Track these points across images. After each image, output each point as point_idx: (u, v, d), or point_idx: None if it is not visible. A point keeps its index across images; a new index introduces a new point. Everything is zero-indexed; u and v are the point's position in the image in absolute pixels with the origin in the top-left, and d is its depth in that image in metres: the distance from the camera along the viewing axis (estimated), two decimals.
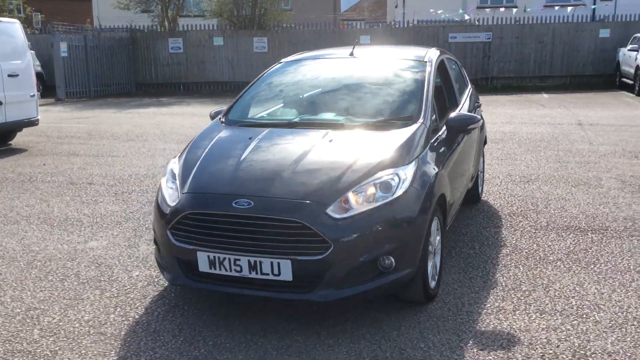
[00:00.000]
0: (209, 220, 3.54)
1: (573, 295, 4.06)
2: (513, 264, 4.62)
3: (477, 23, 22.24)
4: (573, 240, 5.13)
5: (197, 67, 23.06)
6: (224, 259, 3.47)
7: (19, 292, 4.29)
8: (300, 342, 3.49)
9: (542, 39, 21.63)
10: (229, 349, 3.43)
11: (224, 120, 4.71)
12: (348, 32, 23.37)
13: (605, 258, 4.71)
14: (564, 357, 3.28)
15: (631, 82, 18.49)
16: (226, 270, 3.49)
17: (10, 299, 4.17)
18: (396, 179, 3.63)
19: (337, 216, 3.40)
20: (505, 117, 13.31)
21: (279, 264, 3.38)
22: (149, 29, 23.56)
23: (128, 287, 4.35)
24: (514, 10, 23.76)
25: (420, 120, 4.24)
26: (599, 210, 5.98)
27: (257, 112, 4.89)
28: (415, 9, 26.27)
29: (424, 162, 3.91)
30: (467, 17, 23.40)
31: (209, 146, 4.20)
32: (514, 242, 5.13)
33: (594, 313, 3.79)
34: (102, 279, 4.49)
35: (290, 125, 4.46)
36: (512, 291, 4.13)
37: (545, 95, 18.53)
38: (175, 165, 4.12)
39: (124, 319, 3.84)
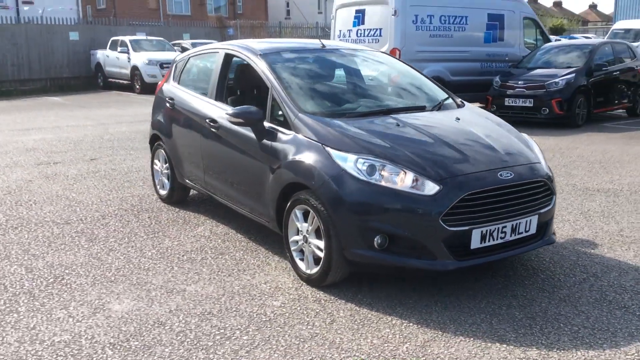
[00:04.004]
0: (483, 197, 3.64)
1: None
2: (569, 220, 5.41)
3: None
4: None
5: None
6: (494, 229, 3.66)
7: None
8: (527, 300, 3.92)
9: (17, 41, 20.46)
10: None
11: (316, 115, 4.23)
12: None
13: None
14: None
15: (127, 81, 19.89)
16: (494, 239, 3.68)
17: None
18: (528, 138, 4.45)
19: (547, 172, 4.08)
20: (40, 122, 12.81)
21: (530, 221, 3.83)
22: None
23: (320, 326, 3.47)
24: None
25: (459, 99, 5.02)
26: None
27: (334, 105, 4.55)
28: None
29: None
30: None
31: (370, 138, 3.91)
32: None
33: None
34: (269, 329, 3.37)
35: (390, 112, 4.43)
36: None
37: (58, 99, 18.03)
38: (354, 161, 3.71)
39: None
